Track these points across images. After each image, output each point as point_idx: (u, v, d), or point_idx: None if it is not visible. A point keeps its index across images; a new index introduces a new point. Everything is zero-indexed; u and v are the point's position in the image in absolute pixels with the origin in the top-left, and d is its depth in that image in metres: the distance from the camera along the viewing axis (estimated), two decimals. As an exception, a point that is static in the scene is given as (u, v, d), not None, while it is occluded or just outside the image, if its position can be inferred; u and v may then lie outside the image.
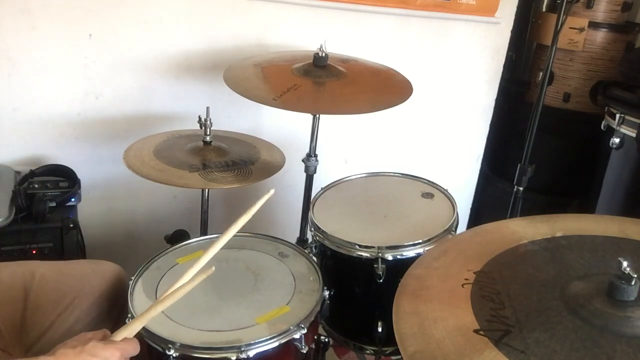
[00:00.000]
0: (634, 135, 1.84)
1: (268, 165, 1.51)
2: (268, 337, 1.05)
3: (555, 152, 2.28)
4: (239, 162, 1.48)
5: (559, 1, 1.67)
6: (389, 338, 1.37)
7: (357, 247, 1.36)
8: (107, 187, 1.89)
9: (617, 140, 1.91)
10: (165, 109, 1.88)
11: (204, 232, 1.64)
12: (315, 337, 1.21)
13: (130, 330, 0.91)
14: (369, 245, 1.35)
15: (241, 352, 1.02)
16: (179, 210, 2.02)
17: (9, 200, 1.49)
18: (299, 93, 1.47)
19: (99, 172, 1.86)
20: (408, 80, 1.63)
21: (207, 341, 1.05)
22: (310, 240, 1.54)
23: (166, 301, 0.92)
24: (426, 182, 1.66)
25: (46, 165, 1.68)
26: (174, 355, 1.02)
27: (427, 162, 2.28)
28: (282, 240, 1.39)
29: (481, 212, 2.50)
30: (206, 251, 0.99)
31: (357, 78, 1.60)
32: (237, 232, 1.01)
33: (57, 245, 1.50)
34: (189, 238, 1.42)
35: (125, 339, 0.90)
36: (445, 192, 1.60)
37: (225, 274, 1.25)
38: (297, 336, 1.08)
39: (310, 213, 1.49)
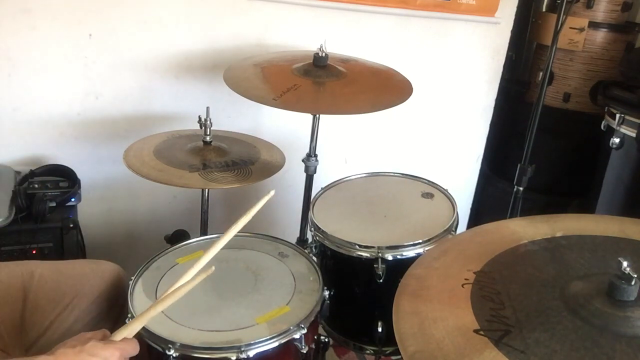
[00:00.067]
0: (634, 135, 1.84)
1: (268, 165, 1.51)
2: (268, 337, 1.05)
3: (555, 152, 2.28)
4: (239, 162, 1.48)
5: (559, 1, 1.67)
6: (389, 338, 1.36)
7: (357, 247, 1.36)
8: (107, 187, 1.89)
9: (617, 140, 1.91)
10: (165, 109, 1.88)
11: (204, 232, 1.64)
12: (315, 337, 1.21)
13: (130, 330, 0.91)
14: (369, 245, 1.35)
15: (241, 352, 1.02)
16: (179, 210, 2.02)
17: (9, 200, 1.49)
18: (299, 93, 1.47)
19: (99, 172, 1.86)
20: (408, 80, 1.63)
21: (207, 341, 1.05)
22: (310, 240, 1.54)
23: (166, 301, 0.92)
24: (426, 182, 1.66)
25: (46, 165, 1.68)
26: (174, 355, 1.02)
27: (427, 162, 2.28)
28: (282, 240, 1.39)
29: (481, 212, 2.50)
30: (206, 251, 0.99)
31: (357, 78, 1.59)
32: (237, 232, 1.01)
33: (57, 245, 1.50)
34: (189, 238, 1.42)
35: (124, 338, 0.90)
36: (445, 192, 1.60)
37: (225, 274, 1.25)
38: (297, 336, 1.08)
39: (310, 213, 1.49)
